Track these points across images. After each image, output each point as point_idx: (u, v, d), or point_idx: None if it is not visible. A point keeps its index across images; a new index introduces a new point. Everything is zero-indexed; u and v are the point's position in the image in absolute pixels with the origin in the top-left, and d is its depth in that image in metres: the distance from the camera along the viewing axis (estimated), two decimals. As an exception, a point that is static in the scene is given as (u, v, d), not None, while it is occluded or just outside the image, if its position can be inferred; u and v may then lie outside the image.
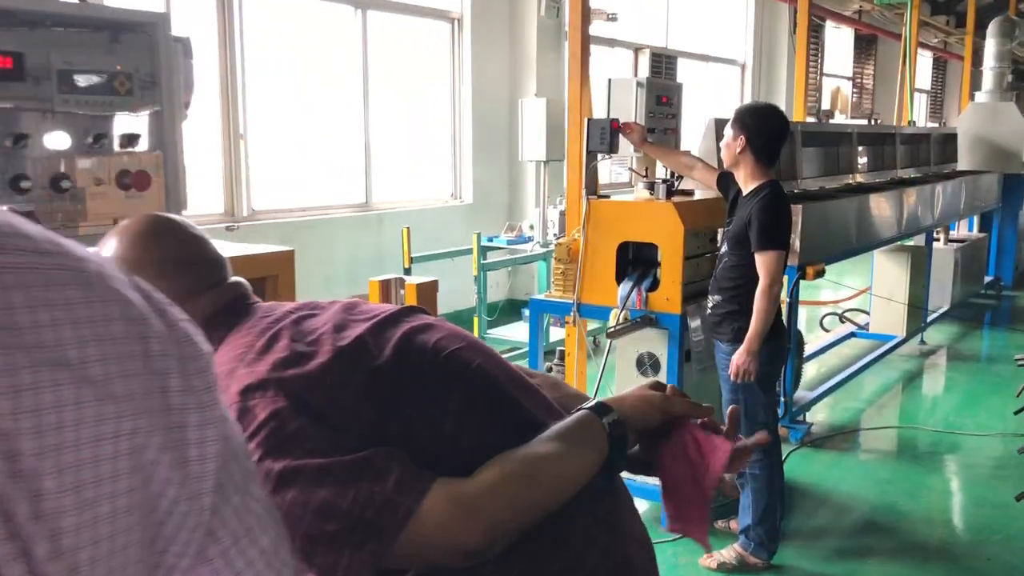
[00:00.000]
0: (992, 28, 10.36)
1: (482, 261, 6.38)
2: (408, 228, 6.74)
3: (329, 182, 7.42)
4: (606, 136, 4.03)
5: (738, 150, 3.54)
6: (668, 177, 4.24)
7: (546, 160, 7.15)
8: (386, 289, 2.90)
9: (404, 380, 1.17)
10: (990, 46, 10.30)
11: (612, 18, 8.66)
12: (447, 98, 8.27)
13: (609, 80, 4.61)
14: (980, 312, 9.78)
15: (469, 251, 6.49)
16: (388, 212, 7.57)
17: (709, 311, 3.75)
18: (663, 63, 10.82)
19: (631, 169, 4.58)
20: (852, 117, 17.04)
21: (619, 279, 4.10)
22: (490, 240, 7.04)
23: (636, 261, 4.16)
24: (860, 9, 15.97)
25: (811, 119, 15.19)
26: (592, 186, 4.15)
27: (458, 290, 6.72)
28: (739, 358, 3.51)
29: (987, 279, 10.22)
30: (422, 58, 8.10)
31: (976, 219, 10.06)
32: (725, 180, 3.75)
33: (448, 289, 7.51)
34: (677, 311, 3.93)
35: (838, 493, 4.63)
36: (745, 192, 3.59)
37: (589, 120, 4.08)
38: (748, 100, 13.35)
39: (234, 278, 1.34)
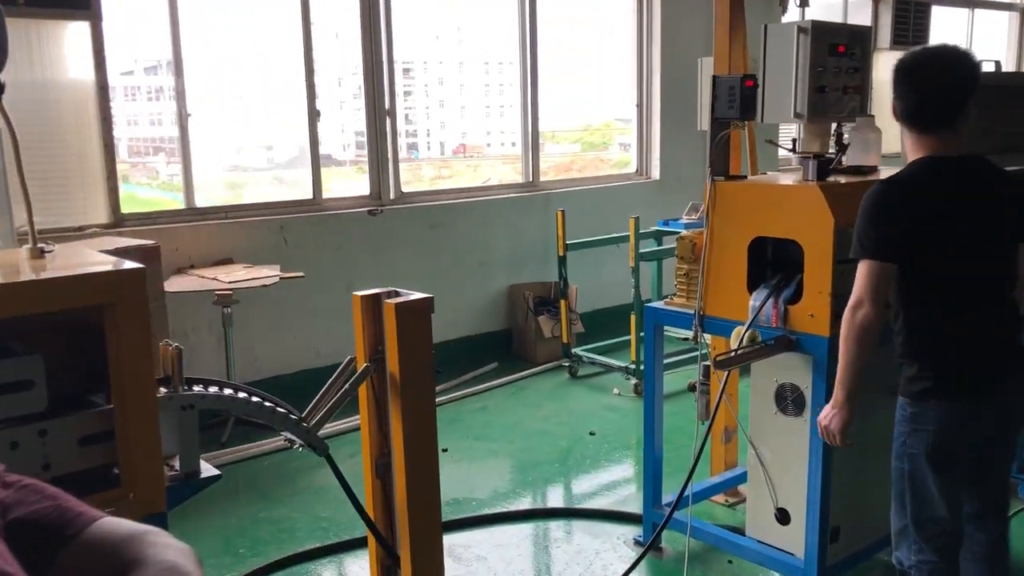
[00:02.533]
0: None
1: (641, 250, 5.52)
2: (563, 211, 6.03)
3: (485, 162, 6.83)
4: (736, 98, 3.08)
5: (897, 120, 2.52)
6: (828, 149, 3.20)
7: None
8: (370, 307, 2.24)
9: None
10: None
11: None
12: (632, 63, 7.39)
13: (765, 27, 3.59)
14: None
15: (642, 236, 5.66)
16: (556, 192, 6.87)
17: None
18: (911, 11, 9.15)
19: (769, 141, 3.53)
20: None
21: (753, 286, 3.16)
22: (665, 224, 6.13)
23: (777, 263, 3.18)
24: None
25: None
26: (720, 163, 3.22)
27: (625, 282, 5.90)
28: (821, 414, 2.60)
29: None
30: (603, 21, 7.30)
31: None
32: None
33: (612, 281, 6.74)
34: (825, 332, 2.92)
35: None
36: None
37: (715, 78, 3.14)
38: (1027, 51, 11.12)
39: None
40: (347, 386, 2.17)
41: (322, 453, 2.14)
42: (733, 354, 2.98)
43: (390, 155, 5.98)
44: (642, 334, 4.32)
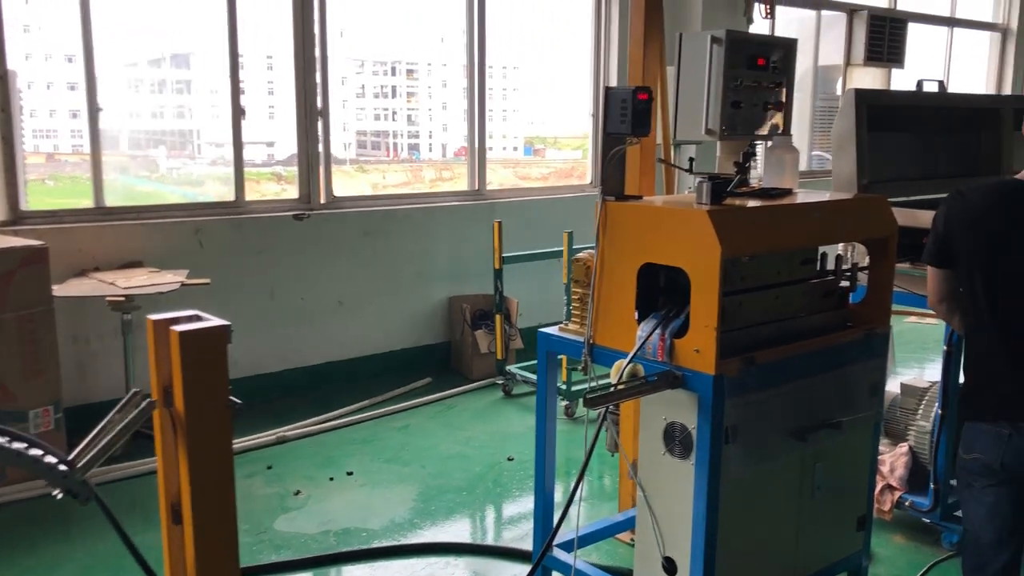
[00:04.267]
0: None
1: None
2: (500, 222, 5.78)
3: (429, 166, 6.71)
4: (628, 112, 2.83)
5: None
6: (735, 165, 2.95)
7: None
8: (163, 333, 1.99)
9: None
10: None
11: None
12: (588, 71, 7.16)
13: (679, 36, 3.35)
14: None
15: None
16: (502, 202, 6.61)
17: None
18: (886, 28, 8.92)
19: (661, 160, 3.27)
20: None
21: (645, 315, 2.90)
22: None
23: (670, 292, 2.93)
24: None
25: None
26: (614, 182, 2.96)
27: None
28: None
29: None
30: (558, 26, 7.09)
31: None
32: None
33: (558, 296, 6.48)
34: (710, 370, 2.67)
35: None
36: None
37: (606, 91, 2.88)
38: (1010, 71, 10.89)
39: None
40: (121, 426, 1.91)
41: (86, 501, 1.88)
42: (612, 389, 2.73)
43: (321, 158, 5.72)
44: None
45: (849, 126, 3.76)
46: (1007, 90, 10.88)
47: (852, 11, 8.78)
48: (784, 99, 3.48)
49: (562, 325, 3.28)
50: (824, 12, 8.76)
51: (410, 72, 7.10)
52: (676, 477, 2.89)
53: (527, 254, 5.97)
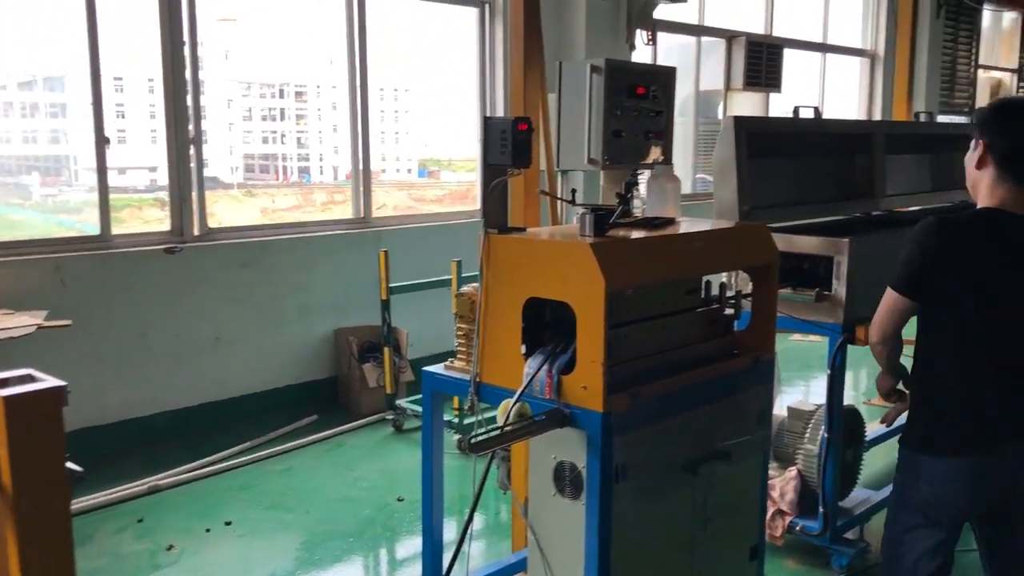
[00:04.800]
0: None
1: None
2: (386, 251, 5.62)
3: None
4: (508, 143, 2.74)
5: (975, 162, 2.60)
6: (616, 196, 2.89)
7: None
8: (-14, 397, 1.76)
9: None
10: None
11: (679, -1, 7.18)
12: (475, 95, 7.09)
13: (559, 65, 3.29)
14: None
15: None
16: (389, 230, 6.45)
17: None
18: (763, 54, 9.20)
19: (543, 192, 3.21)
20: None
21: (533, 351, 2.80)
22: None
23: (558, 326, 2.83)
24: (1027, -11, 13.61)
25: (956, 118, 13.03)
26: (496, 214, 2.86)
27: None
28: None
29: None
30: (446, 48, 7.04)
31: None
32: None
33: (451, 326, 6.36)
34: (598, 407, 2.58)
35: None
36: None
37: (485, 120, 2.78)
38: (879, 95, 11.41)
39: None
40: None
41: None
42: (499, 431, 2.61)
43: (195, 186, 5.43)
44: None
45: (729, 153, 3.77)
46: (876, 113, 11.41)
47: (731, 38, 9.02)
48: (665, 127, 3.47)
49: (448, 363, 3.16)
50: (704, 38, 8.97)
51: (299, 94, 6.99)
52: (567, 518, 2.78)
53: (415, 284, 5.83)
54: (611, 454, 2.62)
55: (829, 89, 10.95)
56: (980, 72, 13.79)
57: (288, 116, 6.97)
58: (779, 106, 9.74)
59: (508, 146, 2.74)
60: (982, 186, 2.60)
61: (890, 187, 4.65)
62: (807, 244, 3.63)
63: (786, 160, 4.23)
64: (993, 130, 2.56)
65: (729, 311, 3.21)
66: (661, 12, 7.55)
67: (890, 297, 2.66)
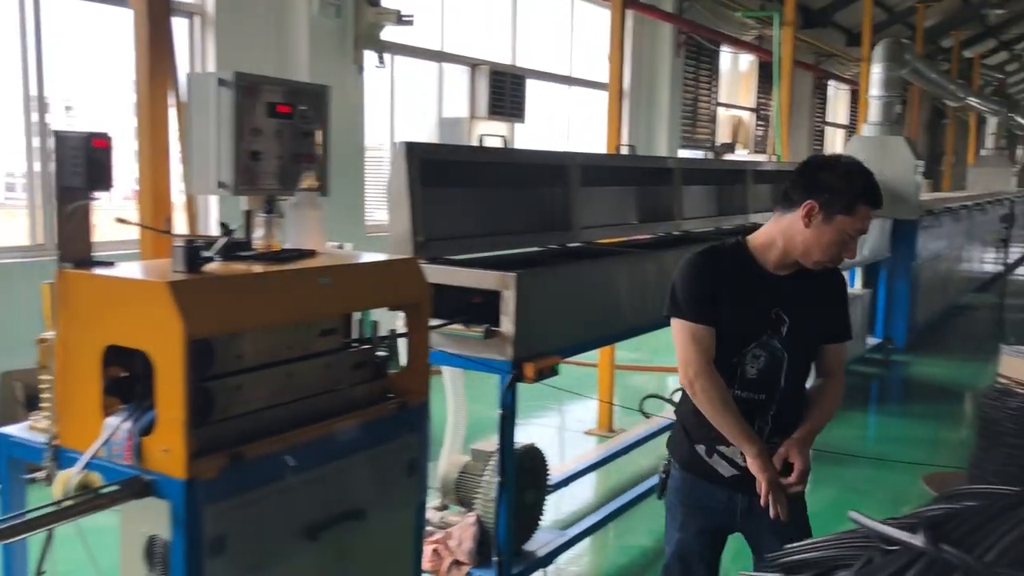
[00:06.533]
0: (879, 51, 8.98)
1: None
2: (52, 284, 4.94)
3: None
4: (80, 164, 2.32)
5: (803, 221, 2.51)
6: (222, 226, 2.54)
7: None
8: None
9: None
10: (876, 72, 8.90)
11: (406, 21, 6.98)
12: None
13: (188, 77, 2.91)
14: (865, 383, 8.29)
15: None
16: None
17: None
18: (507, 83, 9.22)
19: (120, 220, 2.83)
20: (755, 152, 15.71)
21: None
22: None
23: (147, 379, 2.43)
24: (760, 35, 14.71)
25: (700, 153, 13.82)
26: (75, 245, 2.42)
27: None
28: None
29: (873, 341, 8.75)
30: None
31: (859, 272, 8.59)
32: None
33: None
34: (181, 473, 2.21)
35: None
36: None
37: (56, 136, 2.36)
38: (626, 127, 11.82)
39: None
40: None
41: None
42: (55, 508, 2.17)
43: None
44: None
45: (402, 182, 3.54)
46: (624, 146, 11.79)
47: (474, 66, 8.97)
48: (320, 151, 3.16)
49: (31, 422, 2.67)
50: (449, 65, 8.87)
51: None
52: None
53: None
54: (199, 526, 2.25)
55: (581, 121, 11.22)
56: (721, 110, 14.73)
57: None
58: (527, 137, 9.83)
59: (82, 166, 2.33)
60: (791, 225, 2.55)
61: (589, 219, 4.61)
62: (470, 277, 3.43)
63: (473, 190, 4.06)
64: (836, 183, 2.49)
65: (383, 352, 2.95)
66: (392, 34, 7.33)
67: (686, 336, 2.58)
